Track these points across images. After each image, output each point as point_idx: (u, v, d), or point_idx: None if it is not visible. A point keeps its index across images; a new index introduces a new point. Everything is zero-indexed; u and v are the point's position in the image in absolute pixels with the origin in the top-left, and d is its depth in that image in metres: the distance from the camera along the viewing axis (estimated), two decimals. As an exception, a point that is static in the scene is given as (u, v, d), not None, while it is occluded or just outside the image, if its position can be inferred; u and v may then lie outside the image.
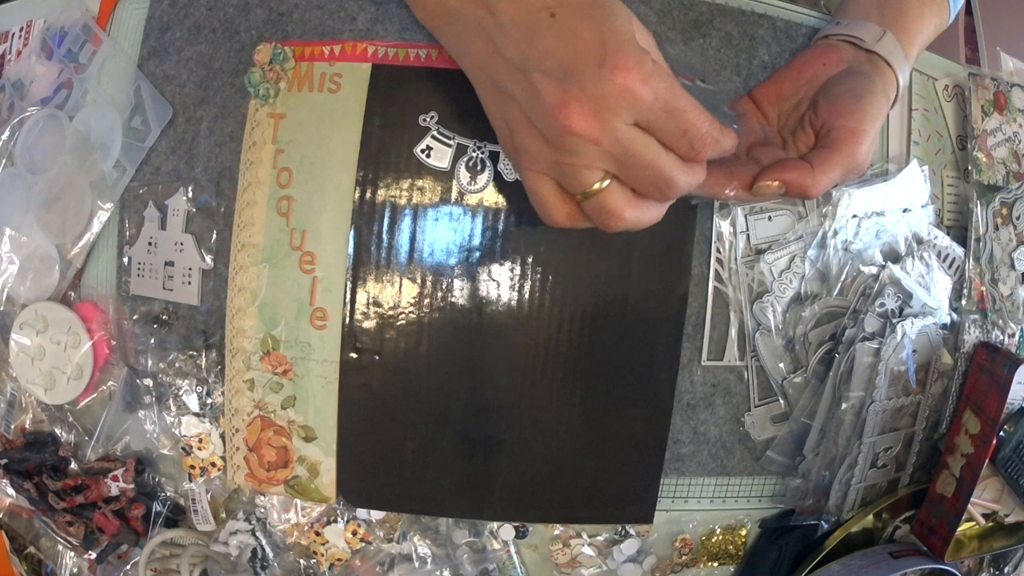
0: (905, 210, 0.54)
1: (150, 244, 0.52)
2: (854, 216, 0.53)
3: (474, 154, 0.49)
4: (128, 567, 0.58)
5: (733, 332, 0.52)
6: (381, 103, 0.49)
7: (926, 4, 0.50)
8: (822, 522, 0.55)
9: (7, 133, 0.55)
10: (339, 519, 0.53)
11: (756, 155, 0.44)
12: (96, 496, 0.55)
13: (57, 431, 0.56)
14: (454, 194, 0.49)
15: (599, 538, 0.55)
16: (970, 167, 0.55)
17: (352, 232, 0.49)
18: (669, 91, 0.34)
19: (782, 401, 0.54)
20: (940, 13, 0.51)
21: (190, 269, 0.51)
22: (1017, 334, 0.57)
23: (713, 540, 0.56)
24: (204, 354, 0.52)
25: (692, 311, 0.51)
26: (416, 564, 0.54)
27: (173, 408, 0.53)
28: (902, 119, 0.55)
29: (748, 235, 0.52)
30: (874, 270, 0.52)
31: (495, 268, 0.49)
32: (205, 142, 0.51)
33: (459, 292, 0.49)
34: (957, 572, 0.55)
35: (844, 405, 0.52)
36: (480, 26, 0.37)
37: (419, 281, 0.50)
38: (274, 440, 0.52)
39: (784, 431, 0.54)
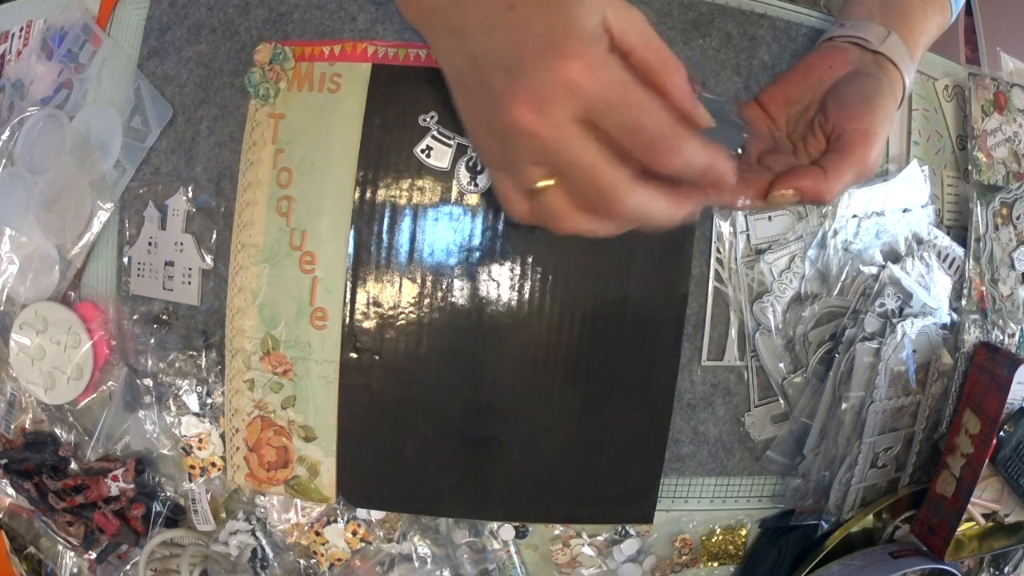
0: (905, 210, 0.54)
1: (150, 244, 0.52)
2: (854, 216, 0.53)
3: (474, 154, 0.49)
4: (128, 567, 0.58)
5: (733, 332, 0.52)
6: (381, 103, 0.49)
7: (929, 4, 0.50)
8: (822, 522, 0.55)
9: (7, 133, 0.55)
10: (339, 519, 0.53)
11: (767, 162, 0.44)
12: (96, 496, 0.55)
13: (57, 431, 0.56)
14: (454, 194, 0.49)
15: (599, 538, 0.55)
16: (970, 167, 0.55)
17: (352, 232, 0.49)
18: (621, 83, 0.32)
19: (782, 401, 0.54)
20: (942, 13, 0.51)
21: (190, 269, 0.51)
22: (1017, 334, 0.57)
23: (713, 540, 0.56)
24: (204, 354, 0.52)
25: (692, 311, 0.51)
26: (416, 564, 0.54)
27: (173, 408, 0.53)
28: (902, 119, 0.55)
29: (748, 235, 0.52)
30: (874, 270, 0.52)
31: (495, 268, 0.49)
32: (205, 142, 0.51)
33: (459, 292, 0.49)
34: (957, 572, 0.55)
35: (844, 405, 0.52)
36: (449, 23, 0.36)
37: (419, 281, 0.50)
38: (274, 440, 0.52)
39: (784, 431, 0.54)
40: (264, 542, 0.55)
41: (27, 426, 0.57)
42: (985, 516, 0.57)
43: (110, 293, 0.53)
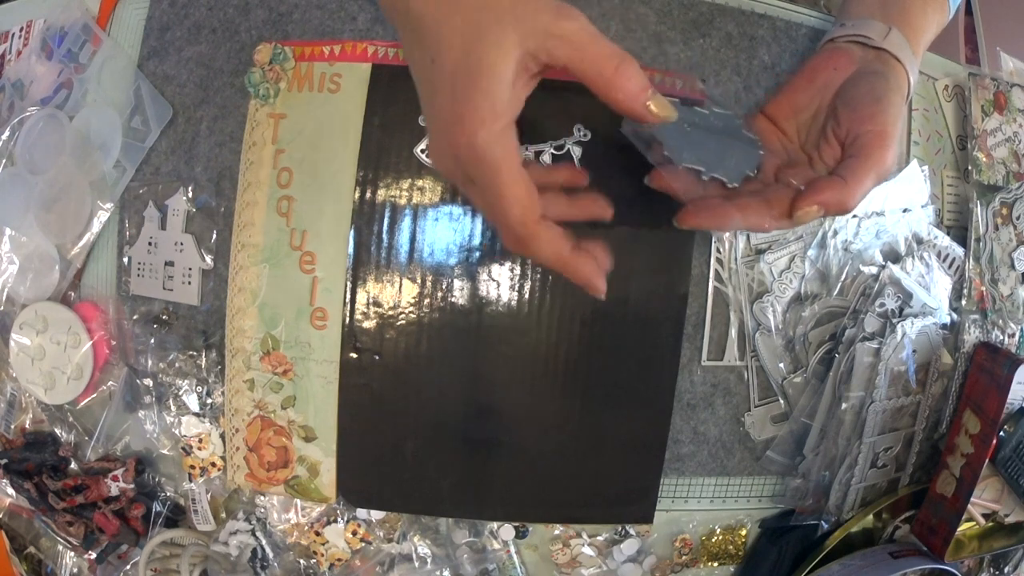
0: (905, 210, 0.54)
1: (150, 244, 0.52)
2: (854, 216, 0.53)
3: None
4: (128, 567, 0.58)
5: (733, 332, 0.52)
6: (381, 103, 0.49)
7: (928, 2, 0.50)
8: (822, 522, 0.55)
9: (7, 133, 0.55)
10: (339, 519, 0.53)
11: (785, 177, 0.43)
12: (96, 496, 0.55)
13: (57, 431, 0.56)
14: (454, 194, 0.49)
15: (599, 538, 0.55)
16: (970, 167, 0.55)
17: (352, 232, 0.49)
18: (494, 171, 0.34)
19: (782, 401, 0.54)
20: (941, 11, 0.51)
21: (190, 269, 0.51)
22: (1017, 334, 0.57)
23: (713, 540, 0.56)
24: (204, 354, 0.52)
25: (692, 311, 0.51)
26: (416, 564, 0.54)
27: (173, 408, 0.53)
28: (902, 119, 0.55)
29: (748, 235, 0.52)
30: (874, 270, 0.52)
31: (495, 268, 0.49)
32: (205, 142, 0.51)
33: (459, 292, 0.49)
34: (957, 572, 0.55)
35: (844, 405, 0.52)
36: (406, 46, 0.38)
37: (419, 281, 0.50)
38: (274, 440, 0.52)
39: (784, 431, 0.54)
40: (264, 542, 0.55)
41: (27, 426, 0.57)
42: (985, 516, 0.57)
43: (110, 293, 0.53)
